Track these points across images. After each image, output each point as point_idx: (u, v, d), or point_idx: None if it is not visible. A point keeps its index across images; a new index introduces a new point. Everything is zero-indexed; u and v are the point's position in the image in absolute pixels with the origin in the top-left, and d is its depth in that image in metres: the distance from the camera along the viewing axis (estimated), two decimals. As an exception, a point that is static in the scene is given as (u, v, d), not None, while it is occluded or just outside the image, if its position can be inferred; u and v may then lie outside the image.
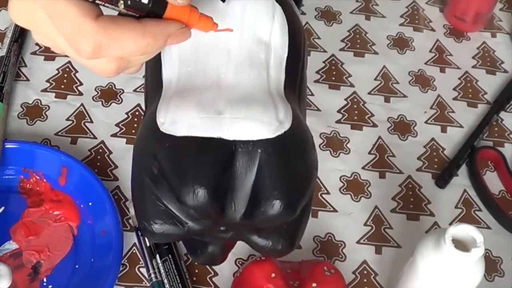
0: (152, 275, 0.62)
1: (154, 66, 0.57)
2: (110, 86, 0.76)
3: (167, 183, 0.50)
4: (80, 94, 0.75)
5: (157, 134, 0.51)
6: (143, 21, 0.43)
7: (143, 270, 0.63)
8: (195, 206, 0.49)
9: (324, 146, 0.72)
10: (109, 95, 0.75)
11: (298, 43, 0.57)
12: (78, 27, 0.41)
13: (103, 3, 0.43)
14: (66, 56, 0.45)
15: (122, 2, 0.43)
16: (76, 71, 0.77)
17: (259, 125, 0.50)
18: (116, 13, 0.44)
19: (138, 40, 0.43)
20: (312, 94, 0.76)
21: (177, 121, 0.50)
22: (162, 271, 0.62)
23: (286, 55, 0.55)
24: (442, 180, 0.70)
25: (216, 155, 0.49)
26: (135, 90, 0.75)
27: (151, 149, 0.51)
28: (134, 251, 0.65)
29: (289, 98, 0.54)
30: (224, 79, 0.53)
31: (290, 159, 0.50)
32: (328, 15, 0.84)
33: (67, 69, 0.77)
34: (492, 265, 0.65)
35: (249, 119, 0.50)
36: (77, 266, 0.63)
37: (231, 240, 0.56)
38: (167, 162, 0.50)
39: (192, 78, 0.53)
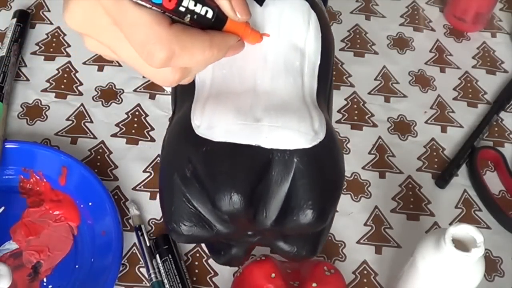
0: (152, 275, 0.62)
1: None
2: (110, 86, 0.76)
3: (200, 186, 0.50)
4: (80, 94, 0.75)
5: (192, 136, 0.51)
6: (210, 33, 0.44)
7: (143, 270, 0.63)
8: (230, 211, 0.49)
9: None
10: (109, 95, 0.75)
11: (329, 49, 0.57)
12: (153, 34, 0.41)
13: (171, 15, 0.43)
14: (112, 60, 0.45)
15: (189, 16, 0.44)
16: (76, 71, 0.77)
17: (296, 134, 0.50)
18: None
19: (206, 51, 0.43)
20: (312, 94, 0.76)
21: (214, 125, 0.50)
22: (162, 271, 0.62)
23: (319, 62, 0.55)
24: (442, 180, 0.70)
25: (253, 162, 0.49)
26: (135, 90, 0.75)
27: (185, 151, 0.51)
28: (134, 251, 0.65)
29: (320, 105, 0.54)
30: (260, 85, 0.53)
31: (323, 169, 0.51)
32: (328, 15, 0.84)
33: (67, 69, 0.77)
34: (492, 265, 0.65)
35: (287, 128, 0.50)
36: (77, 266, 0.63)
37: (255, 244, 0.56)
38: (203, 167, 0.50)
39: (228, 81, 0.53)
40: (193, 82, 0.55)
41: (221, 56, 0.45)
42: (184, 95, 0.56)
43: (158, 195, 0.56)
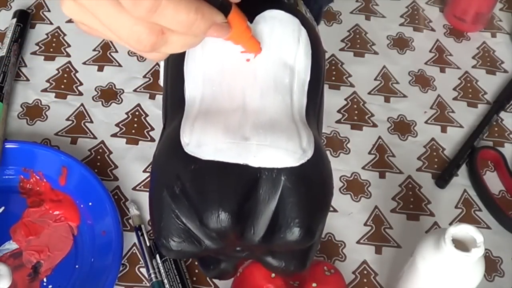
0: (152, 275, 0.62)
1: (175, 81, 0.56)
2: (110, 86, 0.76)
3: (188, 203, 0.50)
4: (80, 94, 0.75)
5: (181, 154, 0.51)
6: (199, 0, 0.44)
7: (143, 270, 0.63)
8: (217, 229, 0.49)
9: (324, 146, 0.72)
10: (109, 95, 0.75)
11: (320, 66, 0.57)
12: None
13: None
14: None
15: None
16: (76, 71, 0.77)
17: (284, 153, 0.50)
18: None
19: (191, 13, 0.43)
20: (312, 94, 0.76)
21: (203, 144, 0.50)
22: (162, 271, 0.62)
23: (308, 79, 0.55)
24: (442, 180, 0.70)
25: (241, 181, 0.50)
26: (135, 90, 0.75)
27: (174, 168, 0.51)
28: (134, 251, 0.65)
29: (309, 122, 0.54)
30: (249, 102, 0.53)
31: (311, 187, 0.51)
32: (328, 15, 0.84)
33: (67, 69, 0.77)
34: (492, 265, 0.65)
35: (274, 147, 0.50)
36: (77, 266, 0.63)
37: (244, 258, 0.57)
38: (192, 185, 0.50)
39: (217, 99, 0.53)
40: (183, 98, 0.54)
41: (203, 27, 0.44)
42: (174, 110, 0.55)
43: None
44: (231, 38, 0.50)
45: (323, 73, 0.58)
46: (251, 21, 0.54)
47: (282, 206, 0.50)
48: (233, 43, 0.51)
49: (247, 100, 0.53)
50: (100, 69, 0.77)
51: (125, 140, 0.72)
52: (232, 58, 0.54)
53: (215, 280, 0.63)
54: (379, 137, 0.74)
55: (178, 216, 0.51)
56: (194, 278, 0.63)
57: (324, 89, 0.59)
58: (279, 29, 0.55)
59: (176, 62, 0.57)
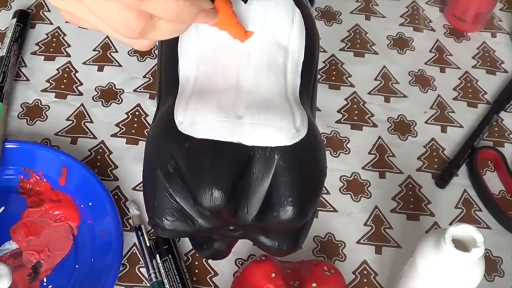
0: (152, 275, 0.62)
1: (169, 62, 0.57)
2: (110, 86, 0.76)
3: (182, 182, 0.51)
4: (80, 94, 0.75)
5: (174, 133, 0.51)
6: None
7: (143, 270, 0.63)
8: (211, 207, 0.49)
9: (324, 146, 0.72)
10: (109, 95, 0.75)
11: (313, 47, 0.58)
12: None
13: None
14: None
15: None
16: (76, 71, 0.77)
17: (278, 132, 0.50)
18: None
19: (180, 1, 0.42)
20: (312, 94, 0.76)
21: (197, 122, 0.51)
22: (162, 271, 0.62)
23: (302, 59, 0.56)
24: (442, 180, 0.70)
25: (234, 159, 0.50)
26: (135, 90, 0.75)
27: (168, 147, 0.51)
28: (134, 251, 0.65)
29: (303, 102, 0.54)
30: (243, 82, 0.53)
31: (304, 166, 0.51)
32: (328, 15, 0.84)
33: (67, 69, 0.77)
34: (492, 265, 0.65)
35: (268, 125, 0.50)
36: (77, 266, 0.63)
37: (237, 238, 0.57)
38: (185, 163, 0.50)
39: (211, 78, 0.54)
40: (177, 77, 0.55)
41: (192, 14, 0.44)
42: (168, 90, 0.56)
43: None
44: (217, 24, 0.50)
45: (317, 54, 0.59)
46: (245, 1, 0.55)
47: (276, 185, 0.50)
48: (219, 29, 0.51)
49: (241, 79, 0.53)
50: (100, 69, 0.77)
51: (125, 140, 0.72)
52: (226, 38, 0.54)
53: (215, 280, 0.63)
54: (379, 137, 0.74)
55: (172, 195, 0.51)
56: (194, 278, 0.63)
57: (317, 70, 0.60)
58: (273, 9, 0.55)
59: (170, 42, 0.57)
